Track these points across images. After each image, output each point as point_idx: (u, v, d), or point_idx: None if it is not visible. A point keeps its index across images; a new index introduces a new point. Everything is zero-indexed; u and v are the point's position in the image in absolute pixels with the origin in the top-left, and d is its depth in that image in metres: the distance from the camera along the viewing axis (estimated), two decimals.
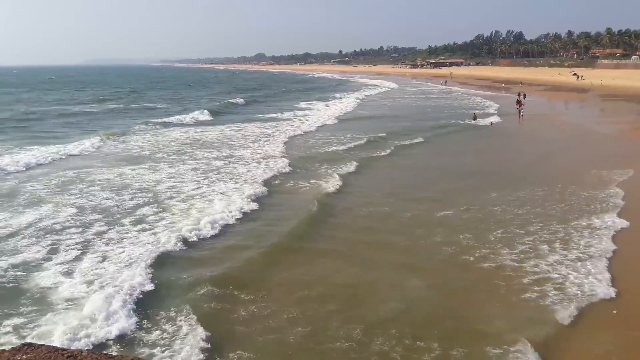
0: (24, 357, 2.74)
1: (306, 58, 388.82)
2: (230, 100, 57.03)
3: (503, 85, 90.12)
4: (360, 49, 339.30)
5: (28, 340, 5.76)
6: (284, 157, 24.28)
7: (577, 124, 37.53)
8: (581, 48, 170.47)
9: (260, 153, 25.55)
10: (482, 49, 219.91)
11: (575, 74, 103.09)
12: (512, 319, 9.37)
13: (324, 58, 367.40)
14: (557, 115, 44.47)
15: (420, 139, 29.82)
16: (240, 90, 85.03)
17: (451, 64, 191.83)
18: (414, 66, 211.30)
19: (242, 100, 58.56)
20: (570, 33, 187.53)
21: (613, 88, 75.66)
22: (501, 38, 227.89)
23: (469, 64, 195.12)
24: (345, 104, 55.97)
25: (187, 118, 41.75)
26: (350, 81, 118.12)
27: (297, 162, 23.31)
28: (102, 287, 10.40)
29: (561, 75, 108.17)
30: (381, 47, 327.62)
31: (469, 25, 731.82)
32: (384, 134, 31.31)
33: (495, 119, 39.95)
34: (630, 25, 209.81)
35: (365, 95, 70.28)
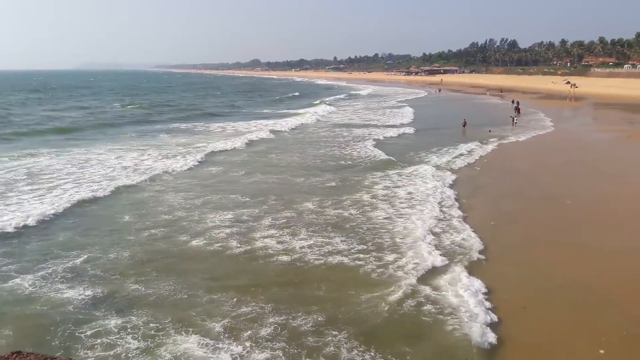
0: None
1: (301, 64, 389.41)
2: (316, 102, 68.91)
3: (487, 93, 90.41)
4: (355, 56, 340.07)
5: None
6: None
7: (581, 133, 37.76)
8: (574, 57, 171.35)
9: None
10: (476, 57, 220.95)
11: (568, 82, 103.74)
12: None
13: (318, 64, 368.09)
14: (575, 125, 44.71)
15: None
16: (291, 98, 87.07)
17: (445, 72, 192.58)
18: (409, 73, 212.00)
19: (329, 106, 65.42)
20: (563, 42, 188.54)
21: (604, 96, 76.18)
22: (495, 46, 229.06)
23: (463, 72, 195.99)
24: (401, 111, 57.39)
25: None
26: (378, 91, 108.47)
27: None
28: None
29: (554, 83, 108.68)
30: (376, 54, 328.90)
31: (464, 33, 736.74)
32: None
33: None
34: (623, 34, 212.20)
35: (403, 101, 73.42)
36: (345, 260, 12.98)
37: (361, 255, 13.20)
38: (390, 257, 13.06)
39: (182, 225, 15.75)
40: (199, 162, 25.94)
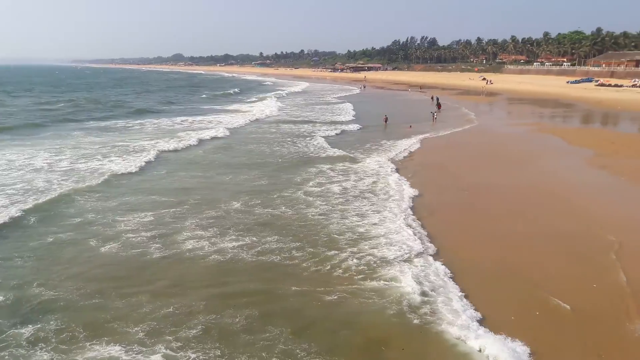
0: None
1: (226, 59, 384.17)
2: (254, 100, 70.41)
3: (409, 90, 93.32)
4: (282, 52, 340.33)
5: None
6: None
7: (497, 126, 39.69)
8: (489, 54, 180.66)
9: None
10: (399, 54, 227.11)
11: (484, 79, 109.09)
12: None
13: (244, 59, 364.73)
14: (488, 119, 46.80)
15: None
16: (229, 94, 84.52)
17: (370, 69, 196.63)
18: (334, 70, 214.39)
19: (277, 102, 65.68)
20: (479, 40, 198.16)
21: (517, 92, 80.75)
22: (416, 44, 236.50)
23: (386, 69, 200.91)
24: (342, 107, 58.64)
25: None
26: (312, 88, 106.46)
27: None
28: None
29: (471, 79, 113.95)
30: (302, 51, 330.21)
31: (386, 31, 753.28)
32: None
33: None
34: (532, 34, 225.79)
35: (341, 97, 75.08)
36: (278, 257, 12.92)
37: (294, 253, 13.18)
38: (330, 253, 13.10)
39: (93, 229, 14.95)
40: (122, 161, 24.79)
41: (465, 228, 15.47)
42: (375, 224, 15.39)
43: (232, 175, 21.93)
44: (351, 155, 27.02)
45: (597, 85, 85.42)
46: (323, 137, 33.92)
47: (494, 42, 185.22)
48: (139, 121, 42.75)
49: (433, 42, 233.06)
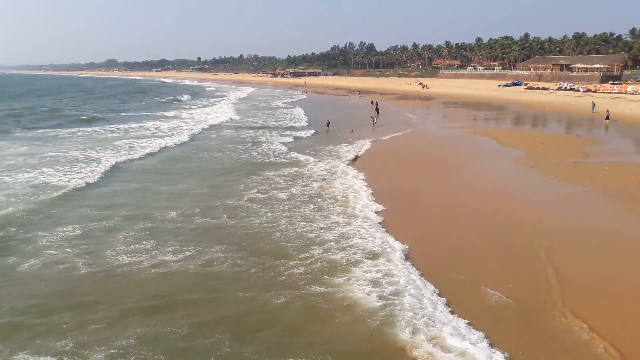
0: None
1: (163, 64, 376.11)
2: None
3: (349, 95, 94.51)
4: (220, 57, 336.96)
5: None
6: None
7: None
8: (425, 59, 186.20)
9: None
10: (338, 60, 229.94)
11: (421, 84, 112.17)
12: None
13: (181, 65, 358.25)
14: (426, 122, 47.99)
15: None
16: (186, 100, 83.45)
17: (310, 74, 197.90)
18: (275, 75, 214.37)
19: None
20: (415, 45, 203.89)
21: (452, 96, 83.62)
22: (355, 49, 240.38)
23: (327, 74, 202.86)
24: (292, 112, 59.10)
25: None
26: (258, 93, 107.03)
27: None
28: None
29: (408, 84, 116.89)
30: (241, 56, 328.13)
31: (326, 36, 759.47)
32: None
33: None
34: (465, 39, 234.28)
35: (289, 102, 75.33)
36: (223, 267, 12.78)
37: (238, 261, 13.05)
38: (277, 262, 13.00)
39: (11, 244, 14.11)
40: (54, 172, 23.57)
41: (407, 230, 15.81)
42: (324, 228, 15.49)
43: (192, 184, 21.51)
44: (302, 159, 27.30)
45: (526, 88, 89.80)
46: (280, 142, 33.86)
47: (429, 48, 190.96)
48: (79, 129, 40.92)
49: (371, 47, 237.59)
